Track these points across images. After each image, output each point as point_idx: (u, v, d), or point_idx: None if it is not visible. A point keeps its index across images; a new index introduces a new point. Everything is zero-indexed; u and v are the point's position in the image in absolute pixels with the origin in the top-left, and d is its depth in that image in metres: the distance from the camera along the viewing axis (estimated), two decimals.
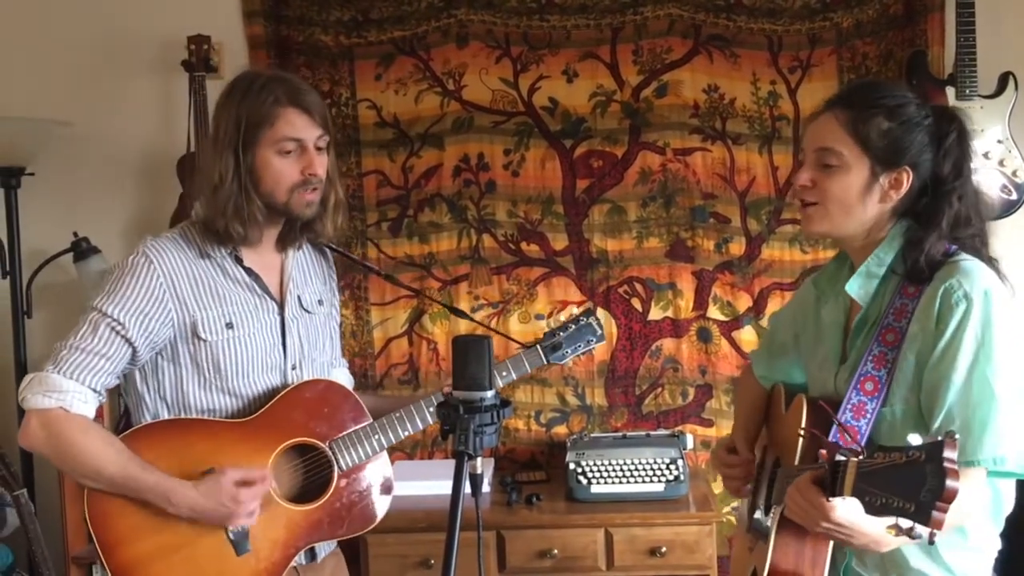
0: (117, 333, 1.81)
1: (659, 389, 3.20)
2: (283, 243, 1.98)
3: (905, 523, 1.21)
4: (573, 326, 2.10)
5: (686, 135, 3.16)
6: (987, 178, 2.94)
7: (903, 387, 1.54)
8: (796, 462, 1.58)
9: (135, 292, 1.83)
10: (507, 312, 3.20)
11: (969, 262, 1.54)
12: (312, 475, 1.95)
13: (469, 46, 3.18)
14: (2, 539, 3.03)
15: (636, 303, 3.20)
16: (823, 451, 1.41)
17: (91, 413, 1.83)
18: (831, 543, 1.56)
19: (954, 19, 2.93)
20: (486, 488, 2.92)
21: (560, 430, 3.21)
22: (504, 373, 2.04)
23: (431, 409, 1.99)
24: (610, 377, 3.20)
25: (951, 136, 1.58)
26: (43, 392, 1.79)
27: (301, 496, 1.94)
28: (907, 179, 1.57)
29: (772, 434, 1.87)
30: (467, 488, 1.39)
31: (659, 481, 2.80)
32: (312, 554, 1.99)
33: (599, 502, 2.78)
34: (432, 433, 3.22)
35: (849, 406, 1.54)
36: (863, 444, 1.47)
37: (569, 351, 2.09)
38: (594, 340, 2.12)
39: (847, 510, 1.37)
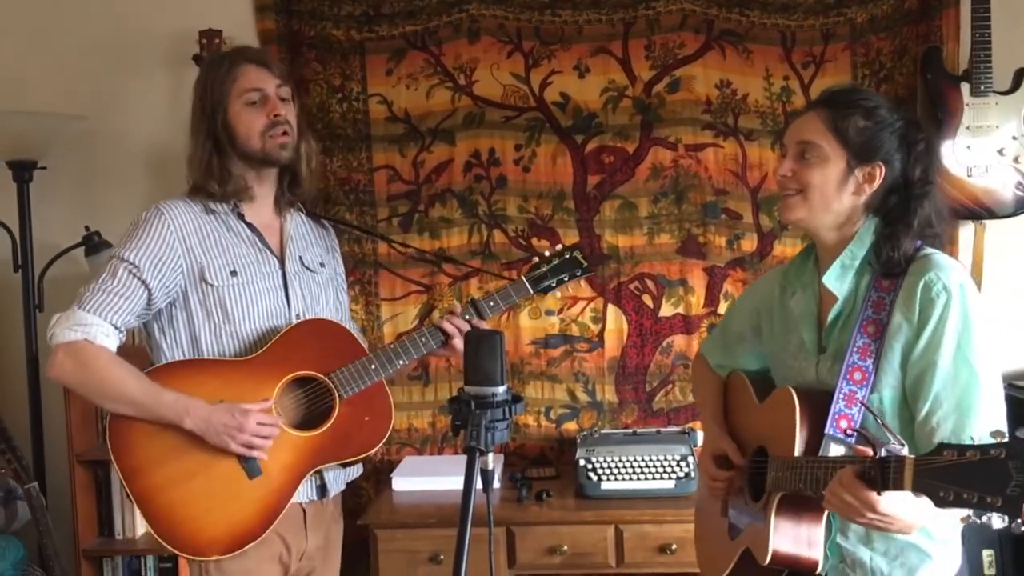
0: (134, 275, 2.01)
1: (670, 386, 3.19)
2: (279, 205, 2.19)
3: (981, 514, 1.27)
4: (557, 259, 2.22)
5: (698, 131, 3.15)
6: (1002, 175, 2.93)
7: (889, 375, 1.64)
8: (796, 453, 1.64)
9: (149, 240, 2.04)
10: (517, 308, 3.19)
11: (939, 256, 1.67)
12: (315, 405, 2.10)
13: (480, 41, 3.17)
14: (13, 532, 3.04)
15: (647, 299, 3.19)
16: (860, 448, 1.50)
17: (112, 346, 2.02)
18: (823, 523, 1.66)
19: (969, 15, 2.90)
20: (496, 484, 2.92)
21: (570, 426, 3.20)
22: (492, 304, 2.16)
23: (423, 339, 2.13)
24: (620, 373, 3.19)
25: (920, 144, 1.70)
26: (69, 327, 1.99)
27: (306, 424, 2.09)
28: (880, 174, 1.68)
29: (743, 423, 1.92)
30: (478, 483, 1.39)
31: (669, 478, 2.79)
32: (323, 491, 2.15)
33: (609, 499, 2.78)
34: (442, 429, 3.22)
35: (841, 395, 1.64)
36: (858, 427, 1.59)
37: (554, 283, 2.21)
38: (579, 272, 2.23)
39: (890, 502, 1.44)
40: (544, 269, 2.21)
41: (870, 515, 1.46)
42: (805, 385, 1.73)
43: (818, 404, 1.65)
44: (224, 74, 2.06)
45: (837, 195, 1.69)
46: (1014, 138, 2.93)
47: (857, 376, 1.64)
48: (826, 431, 1.62)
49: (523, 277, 2.19)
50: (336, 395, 2.07)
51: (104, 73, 3.23)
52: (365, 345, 2.16)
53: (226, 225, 2.10)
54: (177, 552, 2.01)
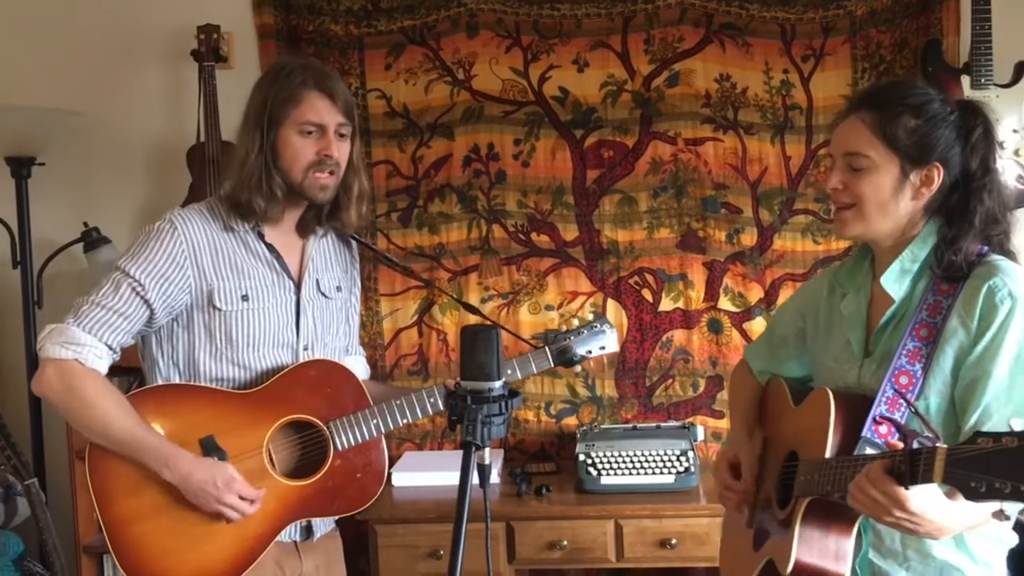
0: (137, 294, 1.88)
1: (670, 380, 3.18)
2: (304, 229, 2.04)
3: (1012, 508, 1.20)
4: (585, 331, 2.11)
5: (697, 125, 3.14)
6: (1003, 168, 2.91)
7: (939, 381, 1.55)
8: (828, 455, 1.56)
9: (157, 256, 1.90)
10: (517, 303, 3.19)
11: (1005, 262, 1.57)
12: (308, 452, 2.00)
13: (479, 35, 3.16)
14: (13, 528, 3.04)
15: (647, 294, 3.18)
16: (892, 442, 1.40)
17: (104, 369, 1.90)
18: (854, 535, 1.56)
19: (970, 7, 2.89)
20: (496, 479, 2.92)
21: (570, 421, 3.20)
22: (509, 371, 2.04)
23: (432, 400, 2.02)
24: (620, 368, 3.19)
25: (977, 131, 1.60)
26: (61, 343, 1.86)
27: (296, 471, 1.99)
28: (938, 175, 1.58)
29: (777, 428, 1.84)
30: (475, 479, 1.38)
31: (669, 473, 2.79)
32: (309, 531, 2.04)
33: (609, 493, 2.77)
34: (442, 423, 3.21)
35: (884, 399, 1.55)
36: (891, 417, 1.50)
37: (577, 356, 2.08)
38: (604, 348, 2.11)
39: (921, 499, 1.36)
40: (569, 342, 2.08)
41: (898, 513, 1.37)
42: (845, 389, 1.65)
43: (856, 408, 1.57)
44: (289, 94, 1.91)
45: (894, 203, 1.59)
46: (1015, 131, 2.92)
47: (904, 380, 1.55)
48: (863, 434, 1.53)
49: (547, 349, 2.06)
50: (331, 445, 1.97)
51: (102, 69, 3.22)
52: (366, 384, 2.07)
53: (244, 244, 1.97)
54: None
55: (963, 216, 1.58)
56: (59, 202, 3.21)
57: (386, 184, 3.20)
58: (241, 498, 1.88)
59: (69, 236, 3.09)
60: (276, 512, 1.94)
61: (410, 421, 2.03)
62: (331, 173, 1.94)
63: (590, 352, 2.10)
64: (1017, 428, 1.21)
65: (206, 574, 1.90)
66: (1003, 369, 1.49)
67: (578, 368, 3.18)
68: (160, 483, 1.89)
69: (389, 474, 2.95)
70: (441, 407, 2.02)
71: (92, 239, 3.05)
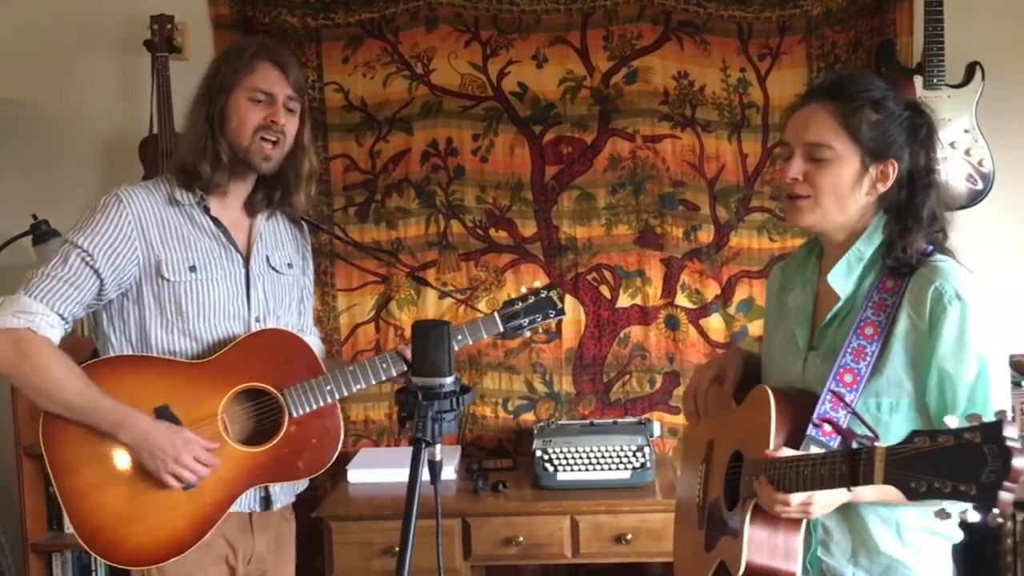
0: (86, 263, 1.91)
1: (627, 376, 3.19)
2: (251, 208, 2.08)
3: (955, 507, 1.19)
4: (533, 298, 2.16)
5: (656, 122, 3.15)
6: (954, 167, 2.96)
7: (891, 383, 1.56)
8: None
9: (105, 227, 1.93)
10: (475, 298, 3.18)
11: (947, 263, 1.58)
12: (264, 419, 2.02)
13: (438, 29, 3.15)
14: None
15: (604, 290, 3.19)
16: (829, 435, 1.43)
17: (56, 338, 1.91)
18: (802, 532, 1.57)
19: (923, 8, 2.93)
20: (452, 475, 2.91)
21: (527, 417, 3.20)
22: (460, 337, 2.10)
23: (384, 365, 2.07)
24: (578, 364, 3.19)
25: (923, 130, 1.62)
26: (12, 312, 1.87)
27: (252, 439, 2.01)
28: (893, 171, 1.60)
29: (721, 428, 1.83)
30: (427, 475, 1.38)
31: (625, 468, 2.80)
32: (267, 502, 2.07)
33: (565, 489, 2.77)
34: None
35: (828, 397, 1.55)
36: (832, 419, 1.50)
37: (526, 322, 2.14)
38: (553, 313, 2.16)
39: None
40: (518, 307, 2.14)
41: (813, 510, 1.45)
42: (788, 384, 1.65)
43: (801, 406, 1.56)
44: (241, 64, 1.98)
45: (851, 197, 1.59)
46: (966, 131, 2.96)
47: (848, 378, 1.55)
48: (808, 432, 1.52)
49: (495, 313, 2.12)
50: (286, 412, 1.99)
51: (52, 58, 3.16)
52: (323, 361, 2.09)
53: (190, 218, 2.01)
54: (98, 557, 1.95)
55: (910, 212, 1.59)
56: (7, 194, 3.15)
57: (343, 178, 3.18)
58: (196, 460, 1.90)
59: (18, 228, 3.02)
60: (234, 479, 1.97)
61: (363, 387, 2.06)
62: (275, 143, 1.98)
63: (537, 319, 2.14)
64: (953, 426, 1.20)
65: (164, 540, 1.93)
66: (972, 373, 1.51)
67: (536, 363, 3.18)
68: (117, 451, 1.91)
69: (345, 471, 2.95)
70: (394, 372, 2.07)
71: (41, 232, 2.98)
